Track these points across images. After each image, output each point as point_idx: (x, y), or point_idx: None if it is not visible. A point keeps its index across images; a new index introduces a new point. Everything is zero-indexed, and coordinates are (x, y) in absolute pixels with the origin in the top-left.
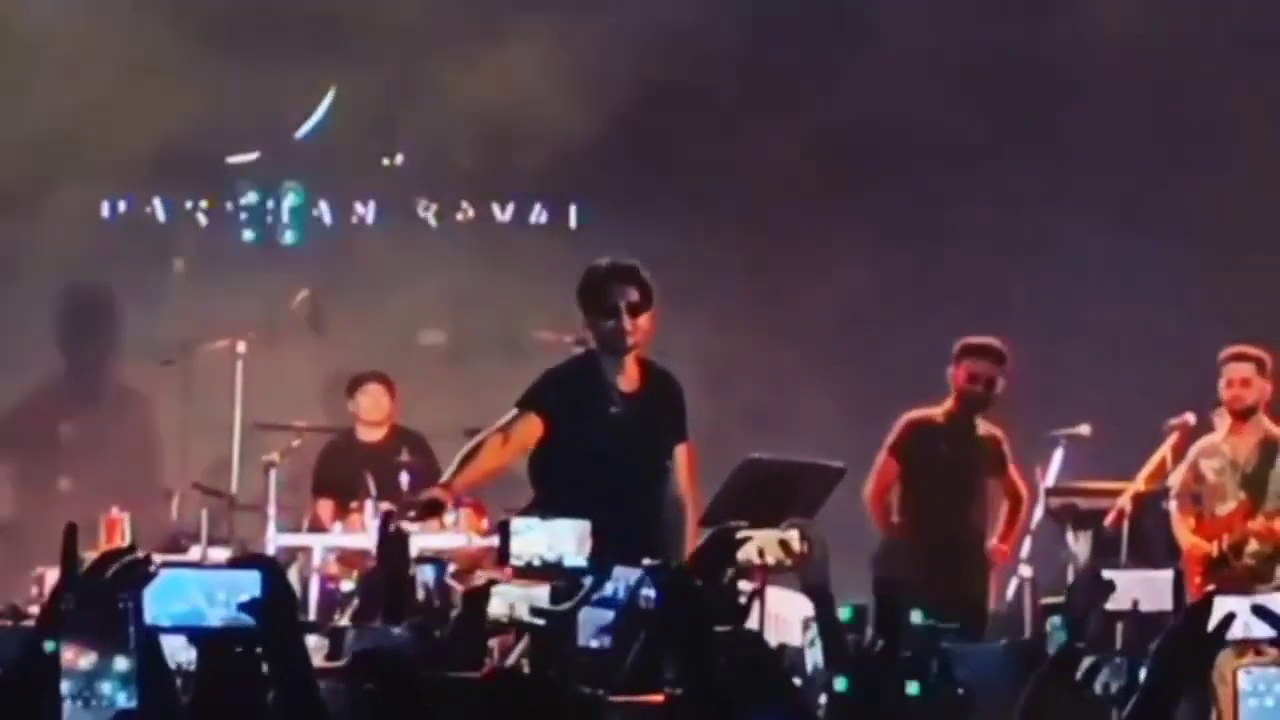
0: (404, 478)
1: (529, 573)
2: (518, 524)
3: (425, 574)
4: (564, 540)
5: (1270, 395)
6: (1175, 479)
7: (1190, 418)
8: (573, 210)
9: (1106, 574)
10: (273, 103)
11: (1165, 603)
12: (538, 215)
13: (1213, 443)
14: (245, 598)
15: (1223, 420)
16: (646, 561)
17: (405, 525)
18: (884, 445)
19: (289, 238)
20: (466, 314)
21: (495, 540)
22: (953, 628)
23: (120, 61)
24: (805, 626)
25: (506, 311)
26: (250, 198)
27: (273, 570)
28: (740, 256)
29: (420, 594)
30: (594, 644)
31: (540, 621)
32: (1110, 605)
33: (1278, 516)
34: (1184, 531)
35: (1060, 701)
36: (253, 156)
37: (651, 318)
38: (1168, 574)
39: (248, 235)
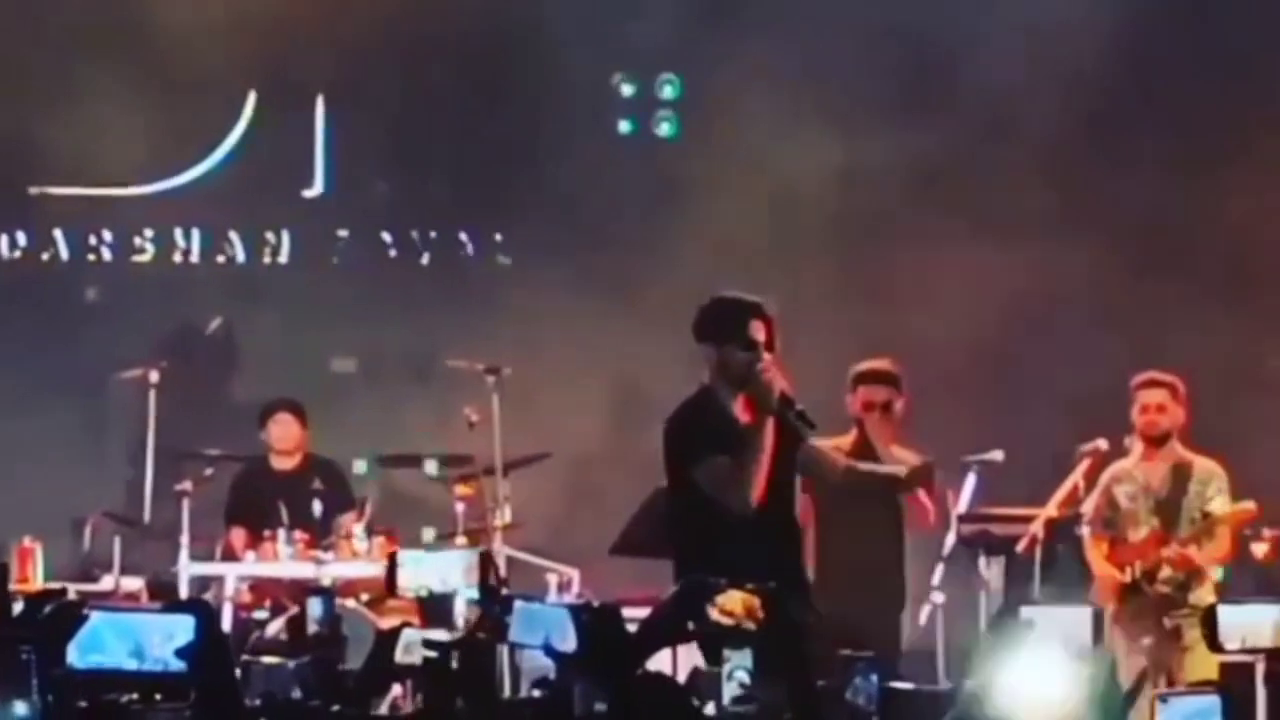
0: (317, 506)
1: (425, 604)
2: (404, 555)
3: (315, 607)
4: (453, 572)
5: (1183, 421)
6: (1088, 505)
7: (1102, 443)
8: (496, 239)
9: (1025, 612)
10: (186, 133)
11: (1086, 639)
12: (454, 246)
13: (1125, 468)
14: (179, 643)
15: (1135, 446)
16: (568, 600)
17: None
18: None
19: (665, 130)
20: (378, 342)
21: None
22: (867, 655)
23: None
24: (724, 659)
25: (417, 339)
26: (626, 90)
27: (206, 615)
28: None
29: (312, 628)
30: (535, 693)
31: (433, 654)
32: (1033, 642)
33: (1192, 543)
34: (1097, 558)
35: None
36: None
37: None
38: (1087, 611)
39: (624, 126)
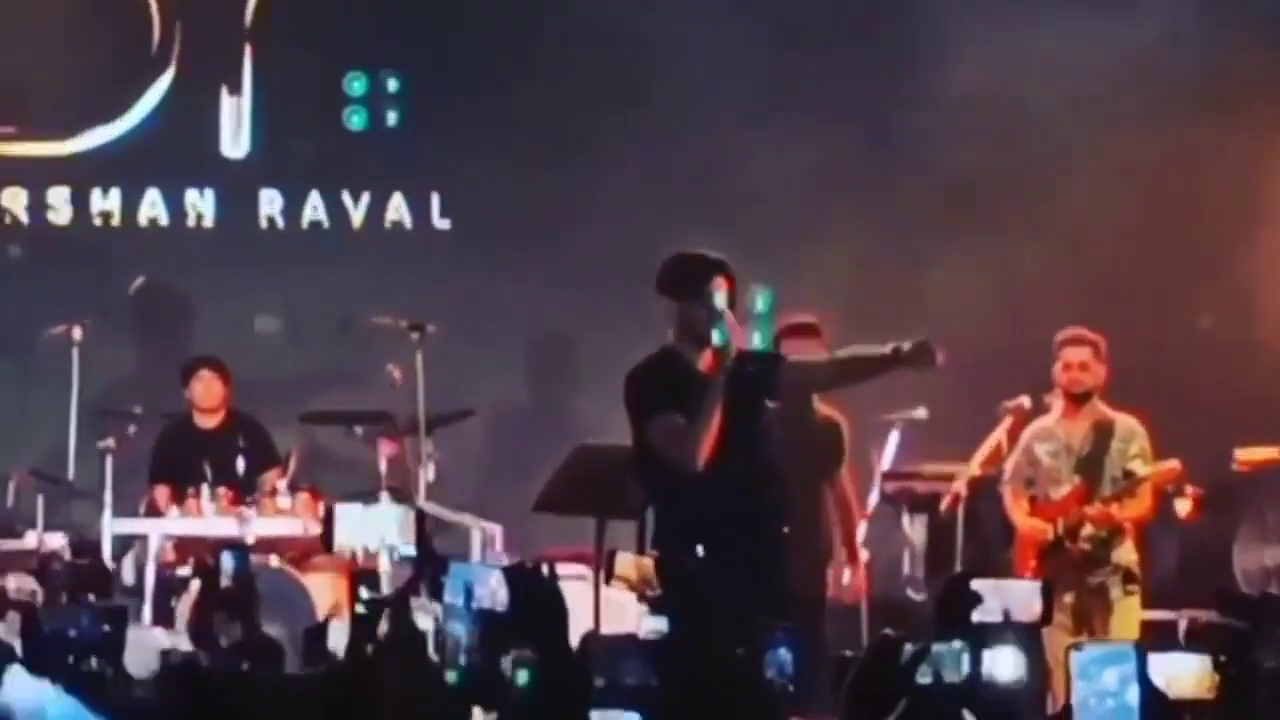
0: (240, 463)
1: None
2: (341, 510)
3: (226, 561)
4: (389, 528)
5: (1105, 379)
6: (1009, 463)
7: (1025, 401)
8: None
9: (974, 584)
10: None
11: (1035, 612)
12: (385, 208)
13: (1046, 426)
14: None
15: (1056, 403)
16: (491, 557)
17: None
18: None
19: (392, 119)
20: (302, 300)
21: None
22: (784, 625)
23: None
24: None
25: (342, 297)
26: (356, 88)
27: None
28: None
29: (223, 582)
30: (462, 660)
31: (363, 610)
32: (978, 616)
33: (1114, 502)
34: (1018, 514)
35: (884, 687)
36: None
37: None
38: (1035, 584)
39: (356, 121)
